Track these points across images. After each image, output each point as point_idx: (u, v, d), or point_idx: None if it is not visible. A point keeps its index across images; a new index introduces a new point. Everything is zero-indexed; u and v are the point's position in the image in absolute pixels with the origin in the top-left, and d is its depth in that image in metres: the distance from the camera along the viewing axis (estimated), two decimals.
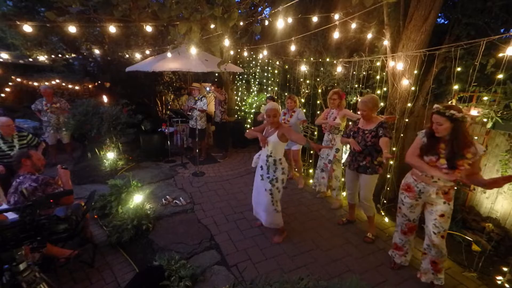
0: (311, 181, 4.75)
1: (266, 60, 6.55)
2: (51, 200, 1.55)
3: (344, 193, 3.89)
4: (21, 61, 8.40)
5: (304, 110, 5.38)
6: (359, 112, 2.94)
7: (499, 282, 2.50)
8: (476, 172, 2.09)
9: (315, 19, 3.99)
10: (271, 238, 3.12)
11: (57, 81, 8.15)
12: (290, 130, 2.80)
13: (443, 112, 2.04)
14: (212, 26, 3.48)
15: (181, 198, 3.99)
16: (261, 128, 3.04)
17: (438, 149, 2.17)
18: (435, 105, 2.12)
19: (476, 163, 2.07)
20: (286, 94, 6.16)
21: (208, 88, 7.53)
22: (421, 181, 2.32)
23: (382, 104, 3.92)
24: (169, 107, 8.06)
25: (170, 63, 5.14)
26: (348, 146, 3.79)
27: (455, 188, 2.29)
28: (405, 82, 3.49)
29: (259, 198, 3.00)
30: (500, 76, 2.62)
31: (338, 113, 3.69)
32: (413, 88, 3.44)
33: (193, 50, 4.13)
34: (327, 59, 4.71)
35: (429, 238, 2.35)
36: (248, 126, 6.93)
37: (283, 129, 2.78)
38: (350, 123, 3.96)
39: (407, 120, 3.61)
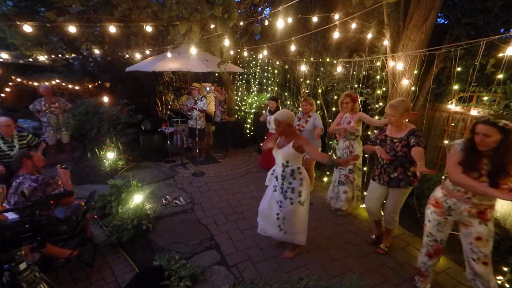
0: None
1: (266, 60, 6.55)
2: (51, 202, 1.55)
3: (362, 205, 3.64)
4: (21, 61, 8.41)
5: None
6: (387, 118, 2.59)
7: (499, 282, 2.50)
8: None
9: (315, 19, 3.99)
10: (281, 253, 2.87)
11: (57, 81, 8.16)
12: (308, 142, 2.49)
13: (494, 122, 1.76)
14: (212, 26, 3.48)
15: (181, 198, 3.99)
16: (276, 137, 2.75)
17: (480, 165, 1.86)
18: (484, 114, 1.86)
19: None
20: (286, 94, 6.17)
21: (208, 88, 7.53)
22: (451, 196, 2.02)
23: (381, 104, 3.94)
24: (169, 107, 8.06)
25: (170, 63, 5.14)
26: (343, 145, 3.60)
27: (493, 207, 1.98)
28: (405, 82, 3.49)
29: (271, 212, 2.73)
30: (500, 76, 2.62)
31: (353, 117, 3.40)
32: (413, 88, 3.44)
33: (193, 50, 4.13)
34: (327, 59, 4.71)
35: (468, 265, 2.07)
36: (248, 126, 6.93)
37: (300, 140, 2.48)
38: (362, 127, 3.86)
39: (407, 120, 3.61)
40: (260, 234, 2.92)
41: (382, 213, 3.00)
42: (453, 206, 2.04)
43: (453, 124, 3.60)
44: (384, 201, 2.87)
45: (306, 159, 4.16)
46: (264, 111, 5.12)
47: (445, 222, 2.12)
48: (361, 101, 4.40)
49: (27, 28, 3.69)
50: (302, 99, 4.14)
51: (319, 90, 5.11)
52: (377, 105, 4.02)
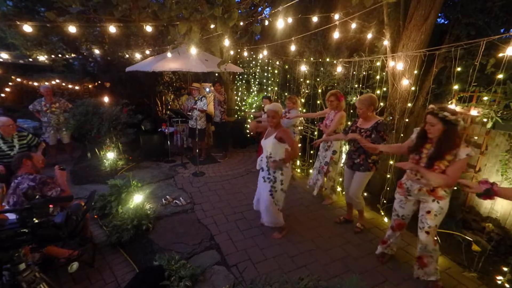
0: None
1: (266, 60, 6.55)
2: (50, 205, 1.54)
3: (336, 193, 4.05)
4: (21, 61, 8.41)
5: (304, 110, 5.38)
6: (358, 111, 2.97)
7: (499, 282, 2.50)
8: (447, 173, 2.08)
9: (315, 19, 3.99)
10: (271, 235, 3.16)
11: (57, 81, 8.16)
12: (288, 134, 2.80)
13: (436, 113, 2.06)
14: (212, 26, 3.48)
15: (181, 198, 3.99)
16: (264, 126, 3.13)
17: (422, 148, 2.23)
18: (430, 106, 2.15)
19: (453, 164, 2.06)
20: (286, 94, 6.17)
21: (207, 89, 7.53)
22: (408, 179, 2.40)
23: (381, 104, 3.93)
24: (169, 107, 8.06)
25: (170, 63, 5.14)
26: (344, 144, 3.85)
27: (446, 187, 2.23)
28: (405, 82, 3.49)
29: (260, 197, 3.06)
30: (500, 76, 2.62)
31: (335, 115, 3.66)
32: (413, 88, 3.43)
33: (193, 50, 4.13)
34: (327, 59, 4.70)
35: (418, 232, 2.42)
36: (248, 126, 6.92)
37: (281, 132, 2.79)
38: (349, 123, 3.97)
39: (407, 120, 3.61)
40: (258, 229, 3.28)
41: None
42: (410, 187, 2.38)
43: None
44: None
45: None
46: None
47: (406, 200, 2.47)
48: None
49: (27, 28, 3.69)
50: (286, 98, 4.43)
51: (319, 90, 5.11)
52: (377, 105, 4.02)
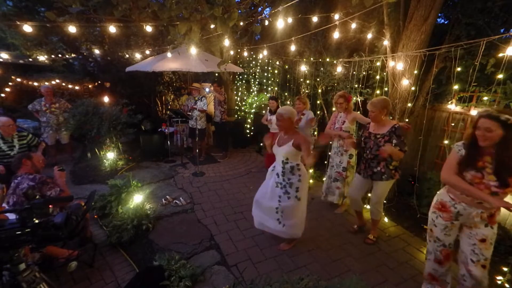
0: (311, 181, 4.75)
1: (266, 60, 6.55)
2: (50, 206, 1.54)
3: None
4: (21, 61, 8.40)
5: None
6: (369, 114, 2.78)
7: (499, 282, 2.50)
8: None
9: (315, 19, 3.99)
10: (277, 244, 2.97)
11: (57, 81, 8.15)
12: (306, 141, 2.59)
13: (497, 116, 1.69)
14: (212, 26, 3.48)
15: (181, 198, 3.99)
16: (276, 135, 2.85)
17: (483, 162, 1.80)
18: (484, 109, 1.81)
19: None
20: (286, 94, 6.17)
21: (207, 89, 7.54)
22: (460, 202, 1.94)
23: None
24: (169, 107, 8.07)
25: (170, 63, 5.15)
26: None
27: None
28: (405, 82, 3.49)
29: (271, 205, 2.78)
30: (500, 76, 2.62)
31: (347, 116, 3.48)
32: (413, 88, 3.44)
33: (193, 50, 4.13)
34: (327, 59, 4.71)
35: (465, 266, 1.98)
36: (248, 126, 6.93)
37: (299, 138, 2.59)
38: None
39: (407, 120, 3.61)
40: (258, 229, 3.06)
41: (364, 206, 3.28)
42: (462, 211, 1.94)
43: (453, 124, 3.60)
44: (369, 194, 3.09)
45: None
46: (264, 111, 5.12)
47: (452, 226, 2.04)
48: (361, 101, 4.41)
49: (27, 28, 3.69)
50: (296, 98, 4.23)
51: (319, 90, 5.11)
52: None
